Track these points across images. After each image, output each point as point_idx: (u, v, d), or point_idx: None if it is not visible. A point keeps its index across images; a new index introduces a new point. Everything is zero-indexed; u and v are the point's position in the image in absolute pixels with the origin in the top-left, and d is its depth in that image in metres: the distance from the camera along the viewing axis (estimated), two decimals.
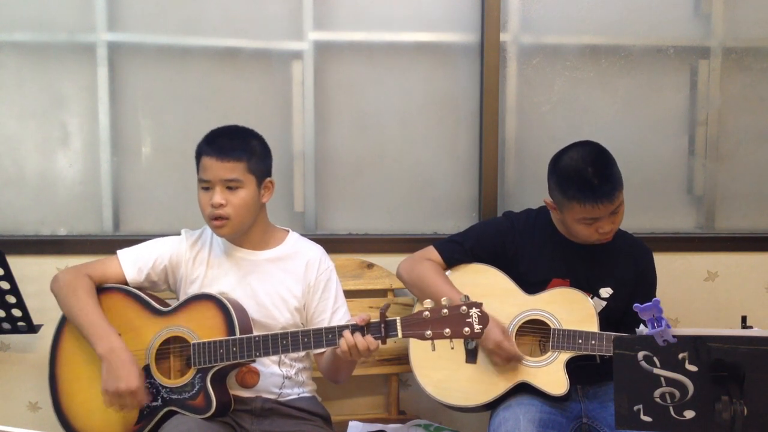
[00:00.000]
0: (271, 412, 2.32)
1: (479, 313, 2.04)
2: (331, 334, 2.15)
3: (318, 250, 2.43)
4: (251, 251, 2.36)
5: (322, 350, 2.30)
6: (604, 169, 2.33)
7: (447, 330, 2.04)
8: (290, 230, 2.45)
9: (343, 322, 2.31)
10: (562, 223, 2.45)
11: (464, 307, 2.04)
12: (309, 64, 2.85)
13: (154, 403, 2.24)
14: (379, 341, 2.11)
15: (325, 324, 2.34)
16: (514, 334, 2.40)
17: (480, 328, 2.04)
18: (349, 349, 2.10)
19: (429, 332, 2.06)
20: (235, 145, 2.27)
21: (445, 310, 2.05)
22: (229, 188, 2.25)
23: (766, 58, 2.99)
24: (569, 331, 2.36)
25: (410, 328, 2.08)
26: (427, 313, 2.06)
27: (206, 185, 2.27)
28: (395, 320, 2.10)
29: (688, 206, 3.03)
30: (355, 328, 2.12)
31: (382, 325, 2.10)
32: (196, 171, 2.31)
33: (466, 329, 2.04)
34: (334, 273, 2.42)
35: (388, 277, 2.77)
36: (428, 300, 2.09)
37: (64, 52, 2.82)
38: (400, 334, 2.10)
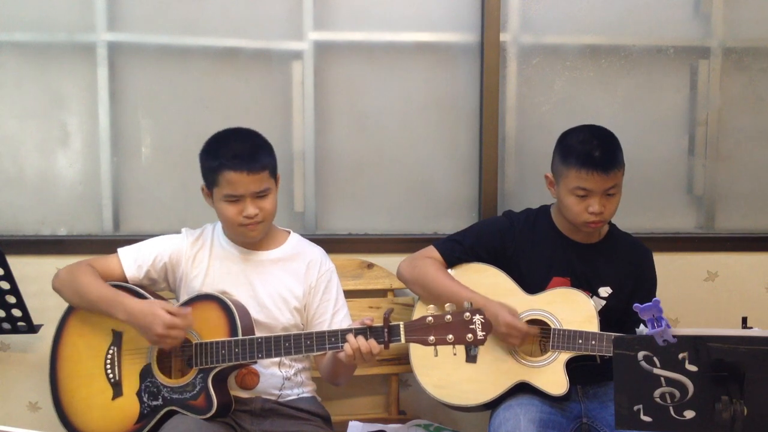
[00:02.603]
0: (271, 413, 2.32)
1: (482, 320, 2.04)
2: (334, 338, 2.15)
3: (319, 251, 2.43)
4: (253, 251, 2.36)
5: (323, 353, 2.30)
6: (608, 145, 2.37)
7: (450, 336, 2.04)
8: (291, 231, 2.45)
9: (344, 325, 2.32)
10: (557, 203, 2.45)
11: (468, 314, 2.04)
12: (309, 64, 2.85)
13: (155, 402, 2.24)
14: (382, 346, 2.11)
15: (325, 326, 2.34)
16: None
17: (483, 335, 2.03)
18: (354, 352, 2.10)
19: (432, 338, 2.06)
20: (258, 154, 2.26)
21: (449, 316, 2.04)
22: (259, 196, 2.25)
23: (766, 58, 2.99)
24: (569, 331, 2.36)
25: (413, 334, 2.08)
26: (430, 318, 2.06)
27: (234, 199, 2.25)
28: (398, 325, 2.10)
29: (688, 206, 3.04)
30: (358, 332, 2.12)
31: (386, 330, 2.10)
32: (208, 184, 2.29)
33: (469, 336, 2.04)
34: (335, 275, 2.42)
35: (388, 277, 2.77)
36: (431, 306, 2.09)
37: (64, 52, 2.82)
38: (403, 339, 2.10)
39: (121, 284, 2.31)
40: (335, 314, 2.38)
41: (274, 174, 2.30)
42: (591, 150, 2.34)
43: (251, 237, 2.31)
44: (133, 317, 2.19)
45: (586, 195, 2.35)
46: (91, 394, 2.29)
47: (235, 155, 2.23)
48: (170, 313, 2.16)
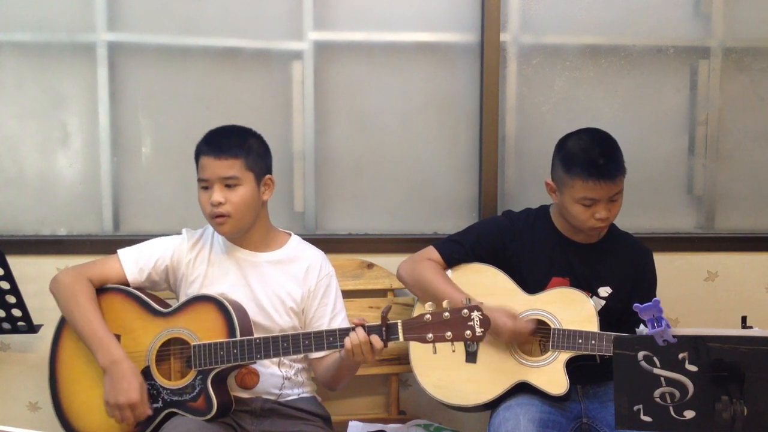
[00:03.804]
0: (272, 413, 2.32)
1: (480, 316, 2.04)
2: (332, 337, 2.15)
3: (319, 255, 2.43)
4: (252, 252, 2.36)
5: (321, 354, 2.29)
6: (611, 152, 2.36)
7: (449, 333, 2.04)
8: (292, 234, 2.45)
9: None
10: (560, 209, 2.44)
11: (466, 310, 2.04)
12: (309, 64, 2.85)
13: (155, 405, 2.24)
14: (381, 343, 2.10)
15: (323, 329, 2.34)
16: None
17: (482, 331, 2.03)
18: (353, 348, 2.09)
19: (430, 335, 2.05)
20: (232, 143, 2.27)
21: (447, 314, 2.04)
22: (228, 186, 2.25)
23: (766, 58, 2.99)
24: (569, 330, 2.36)
25: (412, 331, 2.08)
26: (428, 316, 2.06)
27: (205, 184, 2.27)
28: (397, 323, 2.10)
29: (688, 206, 3.03)
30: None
31: (384, 328, 2.10)
32: (197, 172, 2.31)
33: (468, 332, 2.03)
34: (334, 279, 2.42)
35: (388, 277, 2.77)
36: (429, 303, 2.09)
37: (64, 52, 2.82)
38: (401, 338, 2.10)
39: (121, 287, 2.31)
40: (333, 318, 2.38)
41: (254, 171, 2.28)
42: (595, 159, 2.32)
43: (220, 232, 2.31)
44: (113, 370, 2.19)
45: (593, 203, 2.35)
46: (91, 396, 2.28)
47: (209, 142, 2.29)
48: (140, 397, 2.17)
